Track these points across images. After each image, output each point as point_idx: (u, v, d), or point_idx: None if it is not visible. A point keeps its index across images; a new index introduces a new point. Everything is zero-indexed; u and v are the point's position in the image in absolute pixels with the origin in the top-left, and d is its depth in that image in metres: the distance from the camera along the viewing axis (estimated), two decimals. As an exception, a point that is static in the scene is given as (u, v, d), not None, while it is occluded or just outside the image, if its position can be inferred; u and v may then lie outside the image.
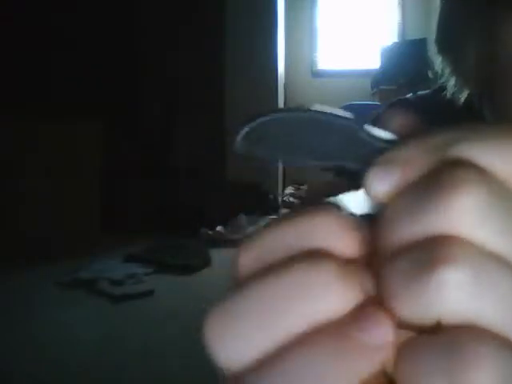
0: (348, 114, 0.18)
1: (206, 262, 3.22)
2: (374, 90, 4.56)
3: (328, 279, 0.16)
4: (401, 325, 0.16)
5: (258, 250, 0.17)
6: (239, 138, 0.18)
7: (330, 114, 0.18)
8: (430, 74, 4.41)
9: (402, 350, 0.16)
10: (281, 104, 4.72)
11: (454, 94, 0.44)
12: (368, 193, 0.17)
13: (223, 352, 0.16)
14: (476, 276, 0.15)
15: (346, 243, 0.17)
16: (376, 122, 0.18)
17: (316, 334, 0.16)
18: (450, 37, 0.43)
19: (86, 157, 3.74)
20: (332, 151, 0.18)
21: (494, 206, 0.15)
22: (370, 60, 5.03)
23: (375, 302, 0.16)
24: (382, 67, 4.57)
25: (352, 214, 0.18)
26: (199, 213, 3.89)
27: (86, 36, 4.16)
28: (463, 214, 0.15)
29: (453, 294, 0.14)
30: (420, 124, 0.18)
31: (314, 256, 0.16)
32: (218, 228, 3.76)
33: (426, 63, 4.47)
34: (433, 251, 0.15)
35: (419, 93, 0.56)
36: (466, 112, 0.43)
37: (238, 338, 0.16)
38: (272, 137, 0.18)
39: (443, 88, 0.55)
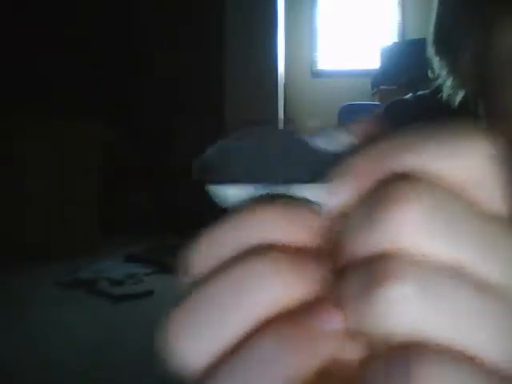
0: (296, 130, 0.18)
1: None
2: (374, 90, 4.56)
3: (274, 269, 0.16)
4: (356, 333, 0.16)
5: (206, 248, 0.17)
6: (193, 169, 0.19)
7: (277, 129, 0.18)
8: (429, 74, 4.40)
9: (360, 367, 0.16)
10: (281, 104, 4.72)
11: (450, 95, 0.44)
12: (321, 206, 0.17)
13: (182, 352, 0.16)
14: (422, 290, 0.15)
15: (295, 233, 0.17)
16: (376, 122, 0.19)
17: (269, 324, 0.16)
18: (446, 38, 0.44)
19: (85, 157, 3.74)
20: (284, 168, 0.18)
21: (436, 217, 0.15)
22: (370, 60, 5.03)
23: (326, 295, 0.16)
24: (381, 67, 4.56)
25: (313, 206, 0.18)
26: (199, 213, 3.89)
27: (86, 36, 4.16)
28: (406, 228, 0.15)
29: (397, 309, 0.14)
30: (378, 130, 0.18)
31: (261, 248, 0.16)
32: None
33: (426, 63, 4.47)
34: (378, 267, 0.15)
35: (419, 93, 0.56)
36: (462, 112, 0.44)
37: (194, 337, 0.16)
38: (221, 165, 0.18)
39: (441, 88, 0.55)
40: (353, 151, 0.17)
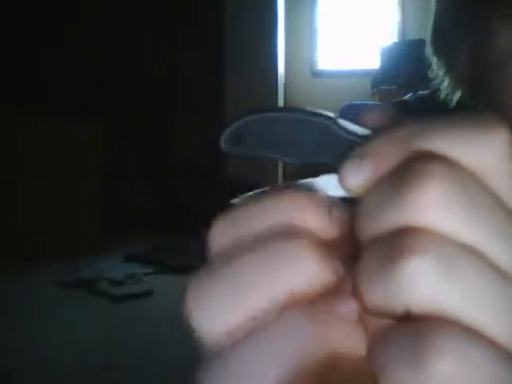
0: (328, 113, 0.19)
1: (206, 262, 3.22)
2: (374, 90, 4.56)
3: (301, 253, 0.16)
4: (374, 312, 0.16)
5: (230, 227, 0.18)
6: (223, 137, 0.19)
7: (308, 112, 0.19)
8: (429, 74, 4.40)
9: (373, 338, 0.16)
10: (281, 104, 4.72)
11: (447, 95, 0.44)
12: (342, 186, 0.17)
13: (202, 322, 0.17)
14: (441, 265, 0.15)
15: (318, 221, 0.17)
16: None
17: (290, 305, 0.16)
18: (443, 38, 0.44)
19: (85, 157, 3.74)
20: (309, 148, 0.19)
21: (458, 198, 0.15)
22: (370, 60, 5.03)
23: (346, 285, 0.17)
24: (381, 67, 4.56)
25: (330, 196, 0.18)
26: (199, 213, 3.89)
27: (86, 36, 4.15)
28: (428, 206, 0.15)
29: (418, 283, 0.15)
30: (395, 118, 0.18)
31: (289, 231, 0.17)
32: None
33: (426, 63, 4.47)
34: (399, 242, 0.15)
35: (418, 93, 0.56)
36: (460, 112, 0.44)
37: (216, 307, 0.16)
38: (252, 136, 0.19)
39: (439, 89, 0.55)
40: (375, 134, 0.18)
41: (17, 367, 2.03)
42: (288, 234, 0.17)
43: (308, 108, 0.19)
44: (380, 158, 0.17)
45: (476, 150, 0.16)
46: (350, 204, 0.18)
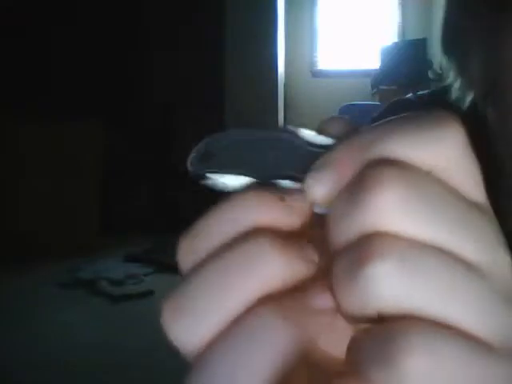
0: (290, 127, 0.20)
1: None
2: (374, 90, 4.56)
3: (264, 250, 0.16)
4: (349, 317, 0.16)
5: (195, 241, 0.18)
6: (189, 159, 0.20)
7: (272, 129, 0.20)
8: (430, 74, 4.40)
9: (350, 341, 0.17)
10: (281, 104, 4.72)
11: (458, 96, 0.44)
12: (308, 198, 0.18)
13: (179, 334, 0.17)
14: (402, 267, 0.15)
15: (274, 214, 0.17)
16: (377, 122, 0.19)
17: (262, 303, 0.16)
18: (455, 38, 0.43)
19: (86, 157, 3.74)
20: (273, 162, 0.19)
21: (413, 199, 0.16)
22: (370, 60, 5.03)
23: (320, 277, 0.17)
24: (381, 67, 4.56)
25: (280, 185, 0.19)
26: (199, 213, 3.89)
27: (87, 36, 4.15)
28: (385, 211, 0.16)
29: (383, 285, 0.15)
30: (356, 126, 0.19)
31: (248, 232, 0.17)
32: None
33: (426, 63, 4.47)
34: (362, 248, 0.16)
35: (419, 93, 0.56)
36: (470, 116, 0.43)
37: (190, 317, 0.17)
38: (217, 155, 0.20)
39: (444, 88, 0.54)
40: (336, 144, 0.18)
41: (17, 367, 2.03)
42: (248, 235, 0.17)
43: (273, 130, 0.20)
44: (340, 167, 0.17)
45: (429, 148, 0.16)
46: (318, 202, 0.18)
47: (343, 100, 3.92)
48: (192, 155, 0.20)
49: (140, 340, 2.27)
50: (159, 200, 4.24)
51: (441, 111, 0.17)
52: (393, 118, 0.17)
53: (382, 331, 0.15)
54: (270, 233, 0.17)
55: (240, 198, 0.18)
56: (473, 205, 0.17)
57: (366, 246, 0.16)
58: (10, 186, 3.46)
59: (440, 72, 4.44)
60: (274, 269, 0.17)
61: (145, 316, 2.54)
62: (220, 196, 0.19)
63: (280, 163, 0.19)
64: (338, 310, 0.17)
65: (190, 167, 0.20)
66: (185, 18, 4.28)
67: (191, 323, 0.17)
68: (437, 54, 4.67)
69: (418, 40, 4.62)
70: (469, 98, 0.42)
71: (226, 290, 0.17)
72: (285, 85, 5.00)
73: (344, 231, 0.16)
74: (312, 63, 5.31)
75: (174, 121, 4.34)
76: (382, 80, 4.46)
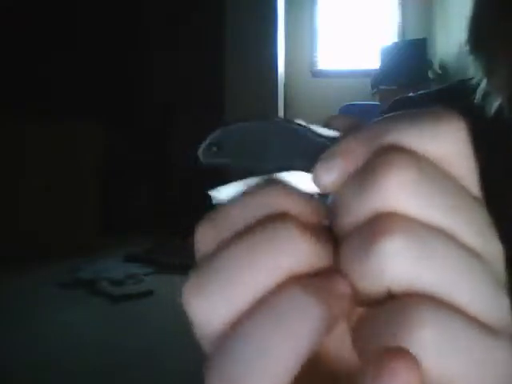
0: (300, 121, 0.20)
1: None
2: (374, 90, 4.56)
3: (291, 233, 0.17)
4: (360, 294, 0.17)
5: (215, 226, 0.18)
6: (200, 150, 0.20)
7: (281, 120, 0.20)
8: (430, 74, 4.40)
9: (359, 318, 0.17)
10: (281, 104, 4.72)
11: (483, 96, 0.43)
12: (317, 186, 0.19)
13: (201, 312, 0.17)
14: (412, 244, 0.16)
15: (304, 209, 0.18)
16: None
17: (286, 287, 0.16)
18: (483, 37, 0.43)
19: (85, 157, 3.74)
20: (283, 153, 0.20)
21: (422, 182, 0.17)
22: (370, 60, 5.03)
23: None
24: (381, 67, 4.56)
25: (304, 190, 0.20)
26: (199, 213, 3.89)
27: (87, 36, 4.16)
28: (396, 192, 0.16)
29: (393, 262, 0.16)
30: (361, 121, 0.20)
31: (276, 217, 0.17)
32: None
33: (426, 63, 4.47)
34: (373, 227, 0.16)
35: (423, 91, 0.56)
36: (494, 120, 0.43)
37: (213, 296, 0.17)
38: (228, 145, 0.20)
39: (450, 86, 0.54)
40: (343, 135, 0.19)
41: (17, 367, 2.03)
42: (274, 218, 0.17)
43: (280, 118, 0.20)
44: (348, 155, 0.18)
45: (432, 140, 0.17)
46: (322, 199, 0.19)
47: (343, 100, 3.91)
48: (203, 145, 0.20)
49: (140, 340, 2.27)
50: (159, 200, 4.24)
51: (444, 108, 0.18)
52: (397, 112, 0.18)
53: (393, 306, 0.16)
54: (295, 219, 0.17)
55: (267, 189, 0.18)
56: (471, 195, 0.18)
57: (378, 224, 0.16)
58: (10, 186, 3.46)
59: (440, 72, 4.44)
60: (302, 251, 0.17)
61: (145, 316, 2.54)
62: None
63: (290, 154, 0.20)
64: (352, 291, 0.17)
65: (200, 157, 0.20)
66: (185, 18, 4.28)
67: (215, 299, 0.17)
68: (437, 53, 4.67)
69: (418, 40, 4.62)
70: (495, 100, 0.42)
71: (254, 267, 0.17)
72: (285, 85, 5.00)
73: (355, 212, 0.17)
74: (312, 63, 5.31)
75: (174, 121, 4.34)
76: (382, 80, 4.46)
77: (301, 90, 5.21)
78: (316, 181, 0.18)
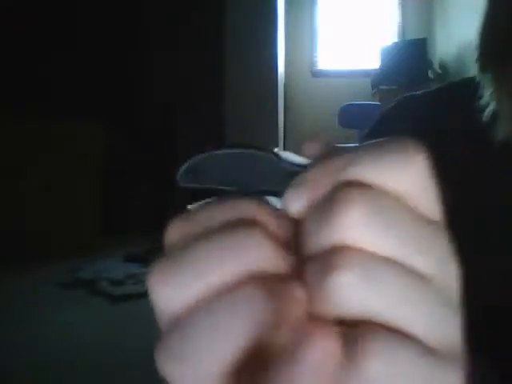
0: (270, 148, 0.22)
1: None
2: (374, 90, 4.56)
3: (256, 237, 0.18)
4: (319, 317, 0.18)
5: (185, 224, 0.20)
6: (179, 173, 0.23)
7: (253, 147, 0.22)
8: (429, 74, 4.41)
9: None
10: (281, 104, 4.72)
11: (487, 102, 0.43)
12: (286, 211, 0.20)
13: (163, 295, 0.18)
14: (363, 276, 0.17)
15: (273, 221, 0.20)
16: (381, 122, 0.21)
17: (245, 284, 0.18)
18: (494, 46, 0.42)
19: (86, 157, 3.74)
20: (255, 179, 0.22)
21: (376, 217, 0.18)
22: (370, 60, 5.03)
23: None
24: (381, 67, 4.57)
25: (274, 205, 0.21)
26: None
27: (87, 36, 4.16)
28: (350, 227, 0.18)
29: (346, 293, 0.17)
30: (332, 148, 0.21)
31: (243, 221, 0.19)
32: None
33: (426, 63, 4.47)
34: (329, 259, 0.18)
35: (427, 90, 0.56)
36: (503, 146, 0.42)
37: (175, 281, 0.18)
38: (203, 171, 0.23)
39: (450, 84, 0.54)
40: (312, 164, 0.20)
41: (17, 367, 2.03)
42: (242, 222, 0.19)
43: (255, 146, 0.22)
44: (315, 186, 0.19)
45: (394, 173, 0.19)
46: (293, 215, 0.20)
47: (343, 100, 3.92)
48: (181, 169, 0.23)
49: (140, 340, 2.27)
50: (159, 200, 4.24)
51: (409, 140, 0.19)
52: (365, 143, 0.20)
53: (346, 334, 0.17)
54: (262, 226, 0.19)
55: (239, 199, 0.20)
56: (429, 222, 0.19)
57: (333, 257, 0.18)
58: (10, 186, 3.46)
59: (440, 72, 4.44)
60: (264, 255, 0.18)
61: (145, 316, 2.54)
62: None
63: (261, 179, 0.22)
64: (311, 306, 0.18)
65: (178, 181, 0.23)
66: (185, 18, 4.28)
67: (177, 286, 0.18)
68: (437, 53, 4.67)
69: (418, 40, 4.62)
70: (503, 125, 0.41)
71: (215, 260, 0.18)
72: (285, 85, 5.00)
73: (316, 242, 0.18)
74: (312, 63, 5.31)
75: (174, 121, 4.34)
76: (381, 80, 4.46)
77: (301, 89, 5.21)
78: (286, 206, 0.20)
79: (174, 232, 0.20)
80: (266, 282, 0.18)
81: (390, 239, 0.18)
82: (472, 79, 0.48)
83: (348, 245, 0.18)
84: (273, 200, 0.21)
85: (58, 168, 3.61)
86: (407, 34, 5.17)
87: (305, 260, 0.19)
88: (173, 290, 0.18)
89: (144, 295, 2.76)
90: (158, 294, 0.19)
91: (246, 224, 0.19)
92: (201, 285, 0.18)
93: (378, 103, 4.04)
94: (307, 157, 0.21)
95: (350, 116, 3.45)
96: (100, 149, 3.82)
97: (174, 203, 4.15)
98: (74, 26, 4.13)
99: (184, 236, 0.19)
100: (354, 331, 0.17)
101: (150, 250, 3.44)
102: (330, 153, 0.20)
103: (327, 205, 0.18)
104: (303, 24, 5.29)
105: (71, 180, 3.67)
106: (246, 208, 0.19)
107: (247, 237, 0.18)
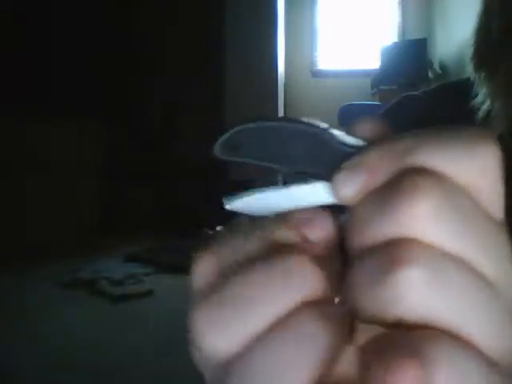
0: (321, 123, 0.19)
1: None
2: (374, 90, 4.56)
3: (303, 266, 0.17)
4: (364, 319, 0.17)
5: (217, 256, 0.18)
6: (217, 144, 0.20)
7: (303, 122, 0.19)
8: (429, 74, 4.40)
9: (367, 345, 0.17)
10: (281, 104, 4.72)
11: (482, 101, 0.42)
12: (335, 196, 0.18)
13: (212, 340, 0.17)
14: (431, 275, 0.15)
15: (310, 235, 0.18)
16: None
17: (294, 316, 0.17)
18: (488, 53, 0.42)
19: (86, 157, 3.74)
20: (302, 157, 0.19)
21: (447, 210, 0.16)
22: (370, 60, 5.03)
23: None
24: (381, 67, 4.56)
25: (308, 210, 0.19)
26: (199, 213, 3.90)
27: (87, 36, 4.15)
28: (419, 218, 0.16)
29: (410, 293, 0.15)
30: (388, 130, 0.19)
31: (283, 247, 0.17)
32: (218, 228, 3.75)
33: (426, 63, 4.47)
34: (392, 253, 0.16)
35: (427, 89, 0.56)
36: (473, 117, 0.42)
37: (226, 326, 0.17)
38: (246, 144, 0.20)
39: (450, 84, 0.54)
40: (369, 146, 0.18)
41: (17, 367, 2.03)
42: (283, 249, 0.17)
43: (303, 118, 0.19)
44: (373, 170, 0.17)
45: (465, 165, 0.17)
46: (335, 212, 0.18)
47: (343, 100, 3.92)
48: (222, 139, 0.20)
49: (140, 340, 2.27)
50: (159, 200, 4.24)
51: (480, 128, 0.17)
52: (430, 128, 0.17)
53: (405, 339, 0.15)
54: (303, 250, 0.17)
55: (266, 222, 0.18)
56: (496, 224, 0.17)
57: (397, 250, 0.16)
58: (10, 185, 3.46)
59: (440, 72, 4.44)
60: (311, 285, 0.17)
61: (145, 316, 2.54)
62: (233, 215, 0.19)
63: (309, 159, 0.19)
64: (353, 313, 0.17)
65: (217, 151, 0.20)
66: (185, 17, 4.28)
67: (228, 329, 0.17)
68: (437, 53, 4.67)
69: (418, 40, 4.62)
70: (496, 124, 0.41)
71: (265, 295, 0.17)
72: (285, 85, 5.00)
73: (372, 233, 0.16)
74: (312, 63, 5.31)
75: (174, 121, 4.34)
76: (381, 80, 4.46)
77: (301, 89, 5.21)
78: (334, 191, 0.18)
79: (205, 267, 0.18)
80: (323, 313, 0.17)
81: (460, 236, 0.16)
82: (470, 79, 0.48)
83: (414, 238, 0.16)
84: (321, 185, 0.19)
85: (58, 168, 3.61)
86: (407, 34, 5.17)
87: (355, 255, 0.17)
88: (225, 335, 0.17)
89: (144, 295, 2.76)
90: (207, 340, 0.17)
91: (286, 250, 0.17)
92: (253, 325, 0.16)
93: (377, 103, 4.04)
94: (362, 138, 0.19)
95: (350, 116, 3.45)
96: (100, 149, 3.82)
97: (175, 203, 4.15)
98: (74, 25, 4.13)
99: (219, 270, 0.18)
100: (415, 335, 0.15)
101: (150, 250, 3.45)
102: (389, 136, 0.18)
103: (391, 192, 0.16)
104: (303, 24, 5.29)
105: (71, 180, 3.67)
106: (281, 229, 0.18)
107: (292, 266, 0.17)
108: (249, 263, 0.17)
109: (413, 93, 0.55)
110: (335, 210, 0.18)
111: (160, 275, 3.08)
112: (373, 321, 0.16)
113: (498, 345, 0.16)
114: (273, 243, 0.18)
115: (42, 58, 4.06)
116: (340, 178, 0.18)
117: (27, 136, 3.52)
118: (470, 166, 0.17)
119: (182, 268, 3.07)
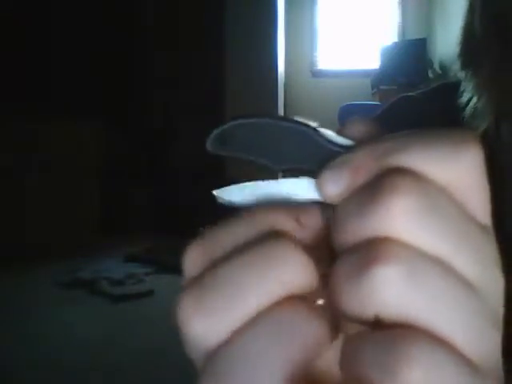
0: (311, 123, 0.20)
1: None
2: (374, 90, 4.56)
3: (288, 252, 0.17)
4: (346, 316, 0.17)
5: (205, 247, 0.18)
6: (210, 138, 0.20)
7: (293, 121, 0.20)
8: (429, 74, 4.40)
9: (347, 343, 0.17)
10: (281, 104, 4.72)
11: (468, 99, 0.43)
12: (320, 193, 0.18)
13: (197, 328, 0.17)
14: (408, 274, 0.16)
15: (292, 227, 0.18)
16: (378, 122, 0.19)
17: (280, 305, 0.17)
18: (473, 51, 0.42)
19: (86, 157, 3.74)
20: (292, 155, 0.20)
21: (425, 210, 0.16)
22: (370, 60, 5.03)
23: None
24: (381, 67, 4.56)
25: (297, 203, 0.19)
26: (199, 213, 3.89)
27: (87, 36, 4.15)
28: (396, 218, 0.16)
29: (386, 291, 0.16)
30: (377, 131, 0.19)
31: (270, 234, 0.17)
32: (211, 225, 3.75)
33: (426, 63, 4.47)
34: (369, 251, 0.16)
35: (423, 90, 0.56)
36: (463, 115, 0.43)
37: (211, 313, 0.17)
38: (237, 139, 0.20)
39: (446, 85, 0.54)
40: (355, 146, 0.18)
41: (17, 367, 2.03)
42: (268, 236, 0.17)
43: (293, 117, 0.20)
44: (357, 170, 0.17)
45: (446, 166, 0.17)
46: (320, 207, 0.19)
47: (343, 100, 3.92)
48: (214, 134, 0.20)
49: (140, 340, 2.27)
50: (159, 200, 4.24)
51: (463, 130, 0.17)
52: (415, 130, 0.18)
53: (383, 337, 0.16)
54: (291, 238, 0.17)
55: (254, 212, 0.18)
56: (478, 225, 0.17)
57: (376, 248, 0.16)
58: (10, 185, 3.46)
59: (440, 72, 4.44)
60: (297, 271, 0.17)
61: (145, 316, 2.54)
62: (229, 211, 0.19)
63: (298, 156, 0.19)
64: (336, 308, 0.17)
65: (209, 146, 0.20)
66: (185, 18, 4.28)
67: (213, 316, 0.17)
68: (437, 53, 4.67)
69: (418, 40, 4.62)
70: (483, 120, 0.41)
71: (251, 282, 0.17)
72: (285, 85, 5.00)
73: (353, 232, 0.17)
74: (312, 63, 5.30)
75: (174, 121, 4.34)
76: (381, 80, 4.46)
77: (301, 89, 5.21)
78: (320, 189, 0.18)
79: (194, 256, 0.18)
80: (308, 307, 0.17)
81: (439, 237, 0.16)
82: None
83: (391, 237, 0.16)
84: (306, 181, 0.19)
85: (58, 168, 3.61)
86: (407, 34, 5.17)
87: (338, 251, 0.17)
88: (210, 321, 0.17)
89: (144, 295, 2.77)
90: (192, 327, 0.17)
91: (273, 237, 0.17)
92: (239, 311, 0.16)
93: (377, 103, 4.04)
94: (350, 138, 0.19)
95: (350, 116, 3.43)
96: (100, 149, 3.82)
97: (175, 203, 4.15)
98: (74, 25, 4.13)
99: (207, 259, 0.18)
100: (393, 333, 0.16)
101: (150, 250, 3.45)
102: (375, 136, 0.18)
103: (370, 191, 0.17)
104: (303, 24, 5.29)
105: (71, 180, 3.67)
106: (267, 218, 0.18)
107: (277, 251, 0.17)
108: (235, 251, 0.17)
109: (409, 93, 0.55)
110: (325, 208, 0.19)
111: (160, 275, 3.08)
112: (353, 319, 0.16)
113: (478, 347, 0.16)
114: (261, 231, 0.18)
115: (42, 58, 4.06)
116: (325, 176, 0.18)
117: (27, 136, 3.52)
118: (453, 167, 0.17)
119: (182, 268, 3.06)
